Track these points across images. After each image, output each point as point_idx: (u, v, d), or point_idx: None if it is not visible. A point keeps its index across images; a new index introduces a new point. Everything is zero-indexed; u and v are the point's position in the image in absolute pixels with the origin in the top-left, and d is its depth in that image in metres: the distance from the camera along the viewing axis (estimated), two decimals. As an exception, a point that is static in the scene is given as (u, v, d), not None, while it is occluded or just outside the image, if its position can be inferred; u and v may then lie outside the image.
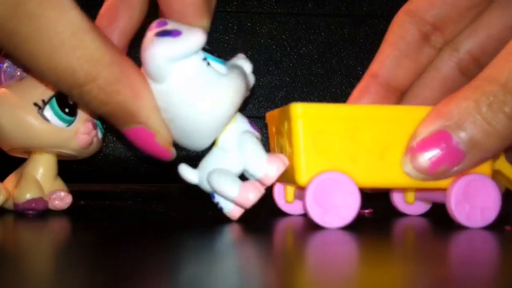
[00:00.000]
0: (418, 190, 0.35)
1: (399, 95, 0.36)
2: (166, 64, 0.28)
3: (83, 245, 0.27)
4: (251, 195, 0.30)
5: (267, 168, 0.30)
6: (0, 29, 0.25)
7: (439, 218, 0.35)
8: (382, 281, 0.21)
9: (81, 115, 0.35)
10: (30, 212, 0.35)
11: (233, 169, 0.31)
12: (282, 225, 0.33)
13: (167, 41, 0.28)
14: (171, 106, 0.29)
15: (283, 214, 0.36)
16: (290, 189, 0.35)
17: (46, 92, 0.35)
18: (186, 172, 0.31)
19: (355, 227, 0.30)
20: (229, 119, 0.30)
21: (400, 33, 0.35)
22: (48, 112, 0.34)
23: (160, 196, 0.48)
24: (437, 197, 0.34)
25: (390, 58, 0.35)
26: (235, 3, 0.47)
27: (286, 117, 0.31)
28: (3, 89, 0.35)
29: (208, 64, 0.29)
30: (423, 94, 0.37)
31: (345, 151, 0.30)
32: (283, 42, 0.49)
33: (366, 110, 0.31)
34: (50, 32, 0.26)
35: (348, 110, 0.31)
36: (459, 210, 0.31)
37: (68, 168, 0.42)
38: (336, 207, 0.30)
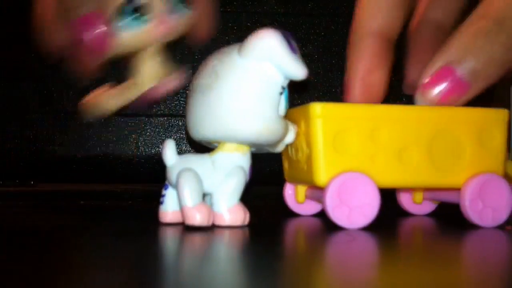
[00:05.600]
0: (431, 189, 0.35)
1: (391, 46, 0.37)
2: (263, 52, 0.29)
3: (83, 245, 0.27)
4: (199, 218, 0.29)
5: (226, 213, 0.30)
6: None
7: (448, 217, 0.35)
8: (397, 282, 0.21)
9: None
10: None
11: (204, 185, 0.30)
12: (293, 226, 0.33)
13: (284, 45, 0.29)
14: (223, 70, 0.30)
15: (294, 214, 0.36)
16: (301, 190, 0.35)
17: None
18: (170, 149, 0.31)
19: (368, 227, 0.30)
20: (237, 141, 0.30)
21: None
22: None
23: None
24: (447, 196, 0.34)
25: (385, 10, 0.36)
26: (235, 3, 0.47)
27: (304, 117, 0.31)
28: None
29: (280, 94, 0.30)
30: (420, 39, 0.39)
31: (364, 151, 0.30)
32: (283, 42, 0.49)
33: (384, 110, 0.31)
34: None
35: (366, 109, 0.31)
36: (473, 209, 0.31)
37: (68, 168, 0.42)
38: (357, 208, 0.30)
